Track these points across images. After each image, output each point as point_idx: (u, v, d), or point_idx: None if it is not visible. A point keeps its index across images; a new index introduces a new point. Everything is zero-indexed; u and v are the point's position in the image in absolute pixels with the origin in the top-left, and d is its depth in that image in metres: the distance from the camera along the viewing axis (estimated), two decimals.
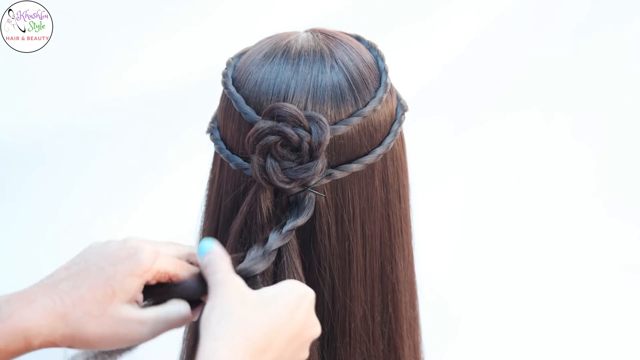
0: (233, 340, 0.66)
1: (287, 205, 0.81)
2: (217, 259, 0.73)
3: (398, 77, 0.91)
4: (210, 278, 0.72)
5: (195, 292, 0.75)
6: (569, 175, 1.82)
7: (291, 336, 0.71)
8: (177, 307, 0.73)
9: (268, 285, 0.80)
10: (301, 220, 0.79)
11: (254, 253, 0.78)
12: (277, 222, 0.81)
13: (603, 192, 1.82)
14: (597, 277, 1.72)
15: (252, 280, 0.77)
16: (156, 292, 0.74)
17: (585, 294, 1.70)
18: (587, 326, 1.65)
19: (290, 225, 0.79)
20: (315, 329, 0.74)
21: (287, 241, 0.79)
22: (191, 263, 0.78)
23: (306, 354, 0.74)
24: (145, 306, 0.74)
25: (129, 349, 0.75)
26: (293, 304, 0.71)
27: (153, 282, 0.74)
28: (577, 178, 1.83)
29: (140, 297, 0.73)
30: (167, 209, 1.40)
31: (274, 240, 0.78)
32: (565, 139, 1.84)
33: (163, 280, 0.74)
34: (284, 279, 0.80)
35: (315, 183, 0.80)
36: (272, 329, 0.69)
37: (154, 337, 0.73)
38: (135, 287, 0.71)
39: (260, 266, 0.77)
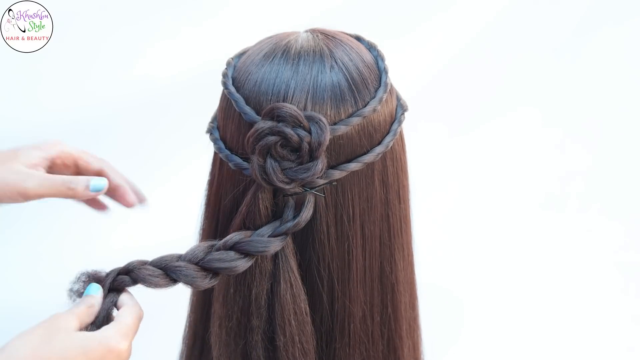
0: None
1: (285, 206, 0.81)
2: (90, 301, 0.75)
3: (396, 79, 0.91)
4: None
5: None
6: (564, 175, 1.83)
7: None
8: (65, 182, 0.81)
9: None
10: (301, 222, 0.80)
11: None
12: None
13: (597, 192, 1.83)
14: (591, 276, 1.74)
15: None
16: None
17: (581, 294, 1.71)
18: (583, 325, 1.66)
19: (288, 225, 0.79)
20: None
21: (284, 243, 0.80)
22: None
23: None
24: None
25: None
26: (96, 356, 0.71)
27: (59, 162, 0.84)
28: (572, 178, 1.84)
29: (42, 170, 0.82)
30: (166, 209, 1.40)
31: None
32: (558, 139, 1.84)
33: (68, 161, 0.85)
34: (281, 279, 0.80)
35: (320, 186, 0.80)
36: None
37: (37, 194, 0.80)
38: (37, 156, 0.83)
39: (240, 264, 0.78)
